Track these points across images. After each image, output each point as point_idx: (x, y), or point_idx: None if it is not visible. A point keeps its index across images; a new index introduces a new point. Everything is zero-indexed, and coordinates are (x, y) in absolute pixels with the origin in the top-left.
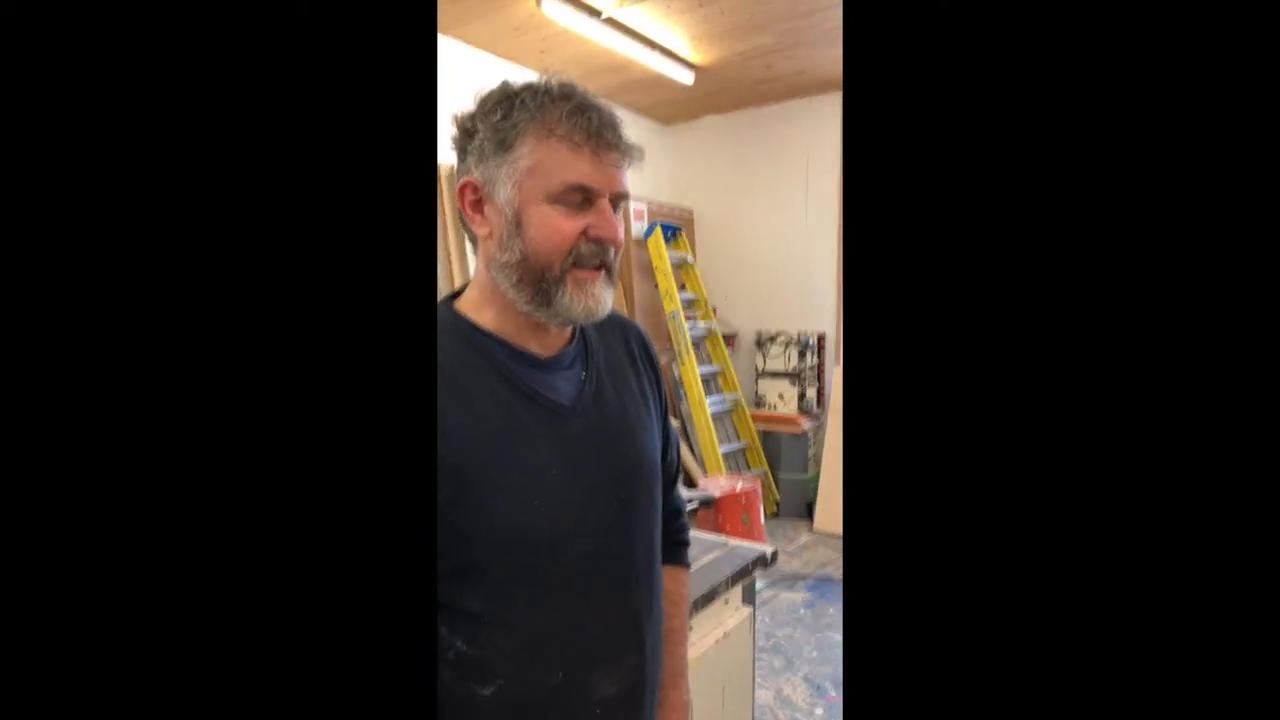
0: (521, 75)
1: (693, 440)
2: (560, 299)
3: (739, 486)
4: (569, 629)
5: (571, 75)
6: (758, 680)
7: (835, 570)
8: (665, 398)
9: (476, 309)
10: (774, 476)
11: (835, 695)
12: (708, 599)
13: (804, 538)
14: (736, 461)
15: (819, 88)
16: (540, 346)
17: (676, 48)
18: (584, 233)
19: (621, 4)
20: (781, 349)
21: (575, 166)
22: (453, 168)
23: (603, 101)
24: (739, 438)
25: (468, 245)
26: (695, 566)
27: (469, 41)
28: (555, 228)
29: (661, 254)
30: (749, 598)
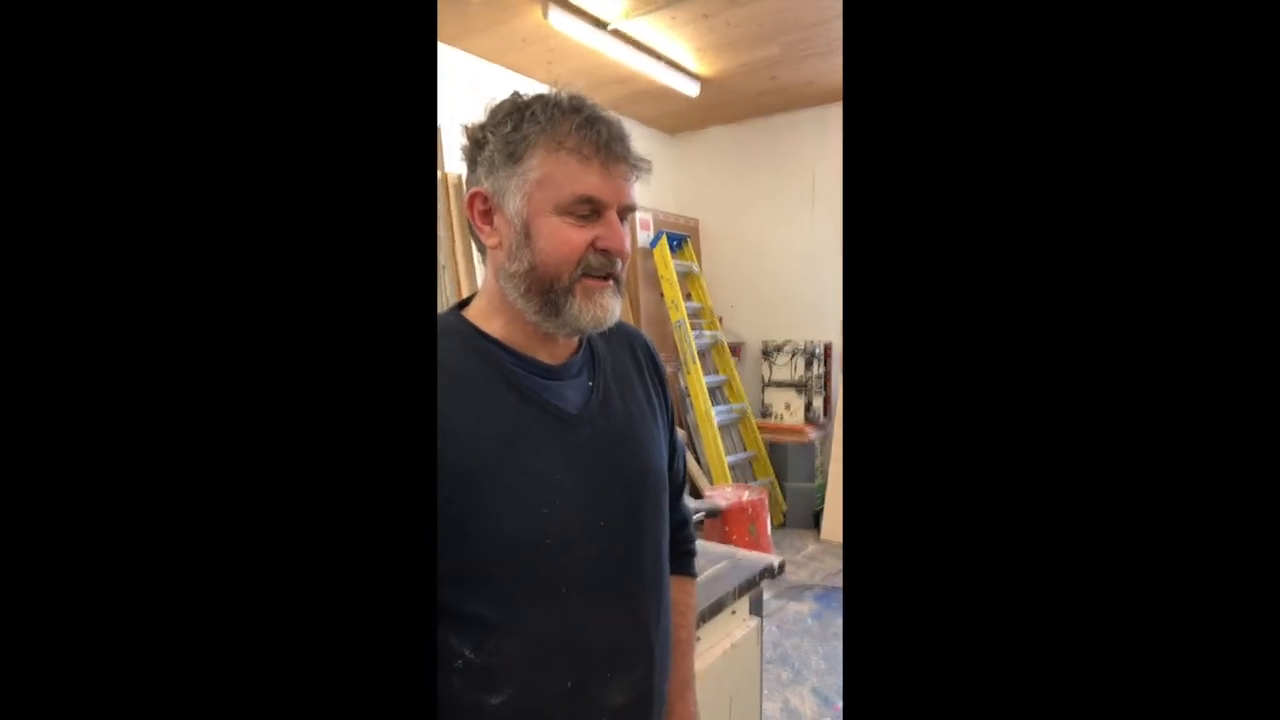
0: (528, 86)
1: (699, 450)
2: (569, 309)
3: (745, 497)
4: (577, 637)
5: (578, 86)
6: (765, 692)
7: (842, 581)
8: (671, 407)
9: (485, 318)
10: (780, 486)
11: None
12: (715, 610)
13: (811, 548)
14: (743, 472)
15: (824, 98)
16: (548, 355)
17: (682, 59)
18: (592, 244)
19: (627, 15)
20: (788, 359)
21: (584, 179)
22: (461, 177)
23: (612, 114)
24: (745, 448)
25: (474, 254)
26: (702, 577)
27: (476, 53)
28: (564, 239)
29: (667, 263)
30: (756, 609)
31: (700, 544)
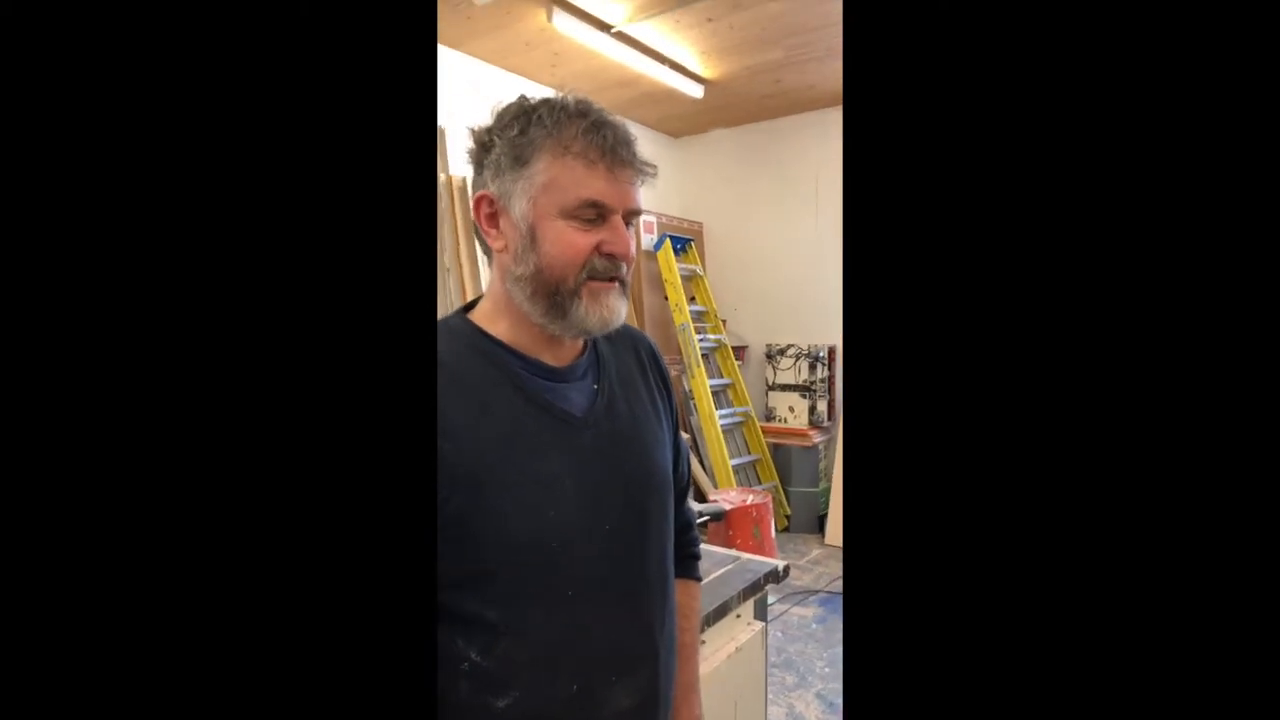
0: (532, 89)
1: (703, 453)
2: (575, 311)
3: (749, 500)
4: (582, 639)
5: (582, 89)
6: (770, 697)
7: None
8: (676, 410)
9: (490, 320)
10: (784, 490)
11: None
12: (719, 614)
13: (815, 552)
14: (747, 475)
15: (828, 101)
16: (553, 358)
17: (686, 62)
18: (597, 248)
19: (631, 19)
20: (792, 362)
21: (590, 183)
22: (465, 180)
23: (618, 119)
24: (749, 451)
25: (479, 257)
26: (706, 580)
27: (480, 56)
28: (569, 242)
29: (671, 266)
30: (761, 613)
31: (704, 547)
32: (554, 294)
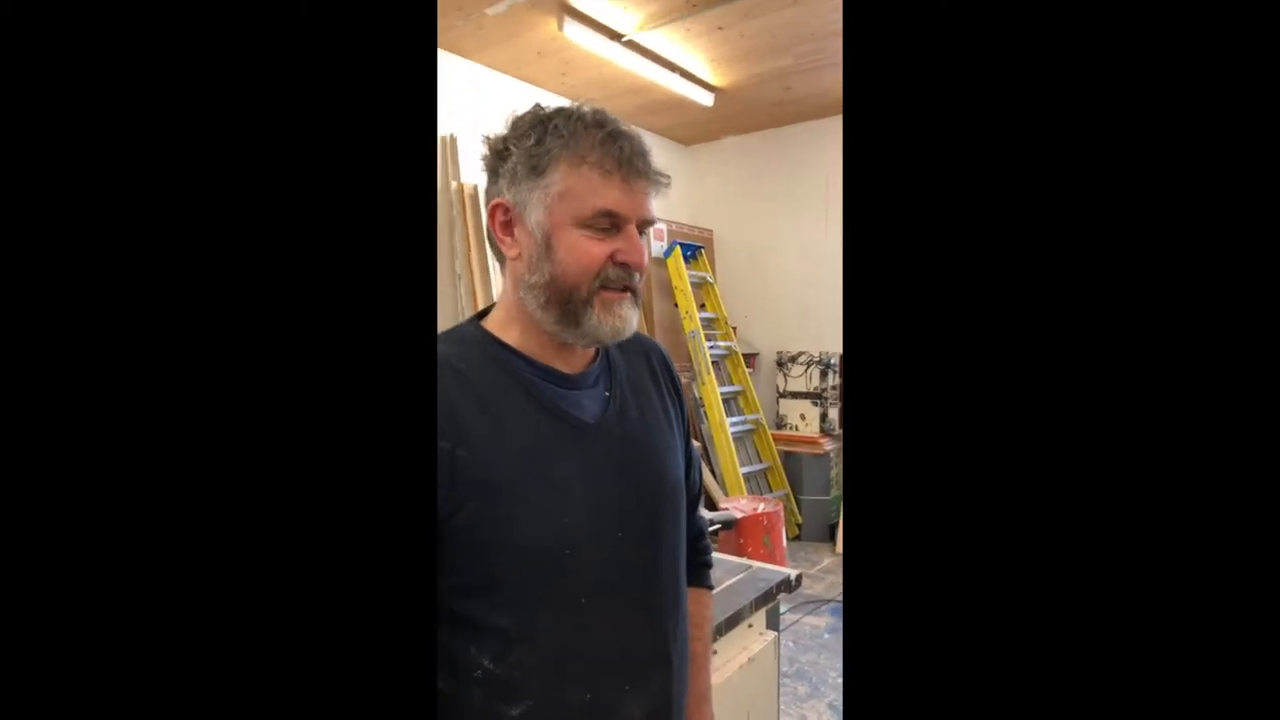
0: (544, 98)
1: (713, 461)
2: (588, 320)
3: (760, 508)
4: (594, 646)
5: (593, 97)
6: (781, 707)
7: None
8: (687, 418)
9: (503, 328)
10: (796, 498)
11: None
12: (731, 623)
13: (826, 561)
14: (758, 483)
15: (837, 109)
16: (565, 365)
17: (696, 70)
18: (611, 257)
19: (642, 27)
20: (803, 369)
21: (606, 193)
22: (477, 188)
23: (633, 129)
24: (760, 459)
25: (490, 265)
26: (718, 589)
27: (492, 66)
28: (584, 251)
29: (681, 273)
30: (773, 622)
31: (716, 556)
32: (567, 302)
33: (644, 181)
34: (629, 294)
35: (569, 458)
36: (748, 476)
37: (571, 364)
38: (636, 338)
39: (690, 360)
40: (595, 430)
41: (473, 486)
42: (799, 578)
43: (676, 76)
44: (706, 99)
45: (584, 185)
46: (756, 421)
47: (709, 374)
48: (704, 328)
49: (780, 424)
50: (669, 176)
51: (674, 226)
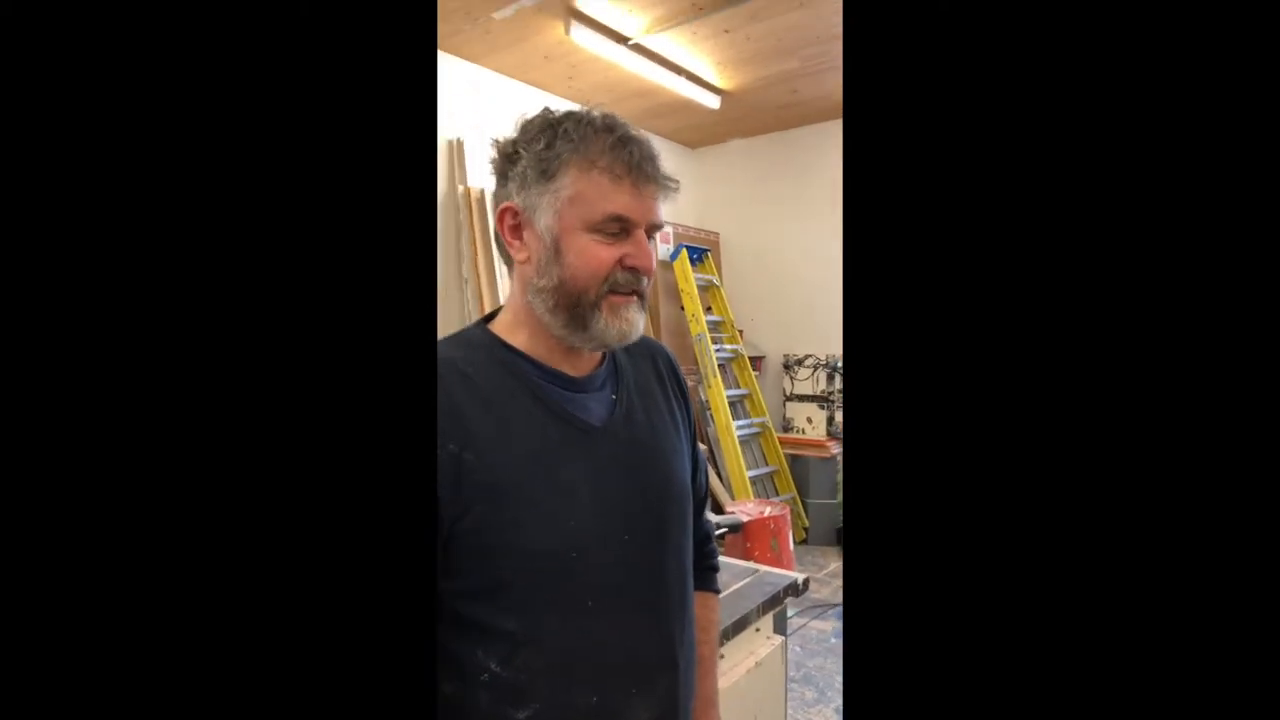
0: (551, 101)
1: (720, 465)
2: (596, 323)
3: (767, 512)
4: (602, 650)
5: (599, 101)
6: (789, 712)
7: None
8: (694, 421)
9: (510, 331)
10: (803, 502)
11: None
12: (739, 627)
13: (833, 565)
14: (764, 486)
15: None
16: (572, 368)
17: (703, 73)
18: (620, 262)
19: (649, 31)
20: (809, 372)
21: (615, 198)
22: (484, 191)
23: (643, 134)
24: (767, 462)
25: (496, 268)
26: (725, 593)
27: (499, 70)
28: (593, 255)
29: (688, 276)
30: (780, 626)
31: (723, 559)
32: (575, 306)
33: (653, 186)
34: (636, 298)
35: (576, 461)
36: (754, 480)
37: (578, 367)
38: (643, 341)
39: (696, 363)
40: (602, 433)
41: (480, 489)
42: (806, 582)
43: (683, 79)
44: (713, 102)
45: (594, 190)
46: (763, 425)
47: (715, 377)
48: (710, 330)
49: (787, 427)
50: (678, 181)
51: (680, 229)
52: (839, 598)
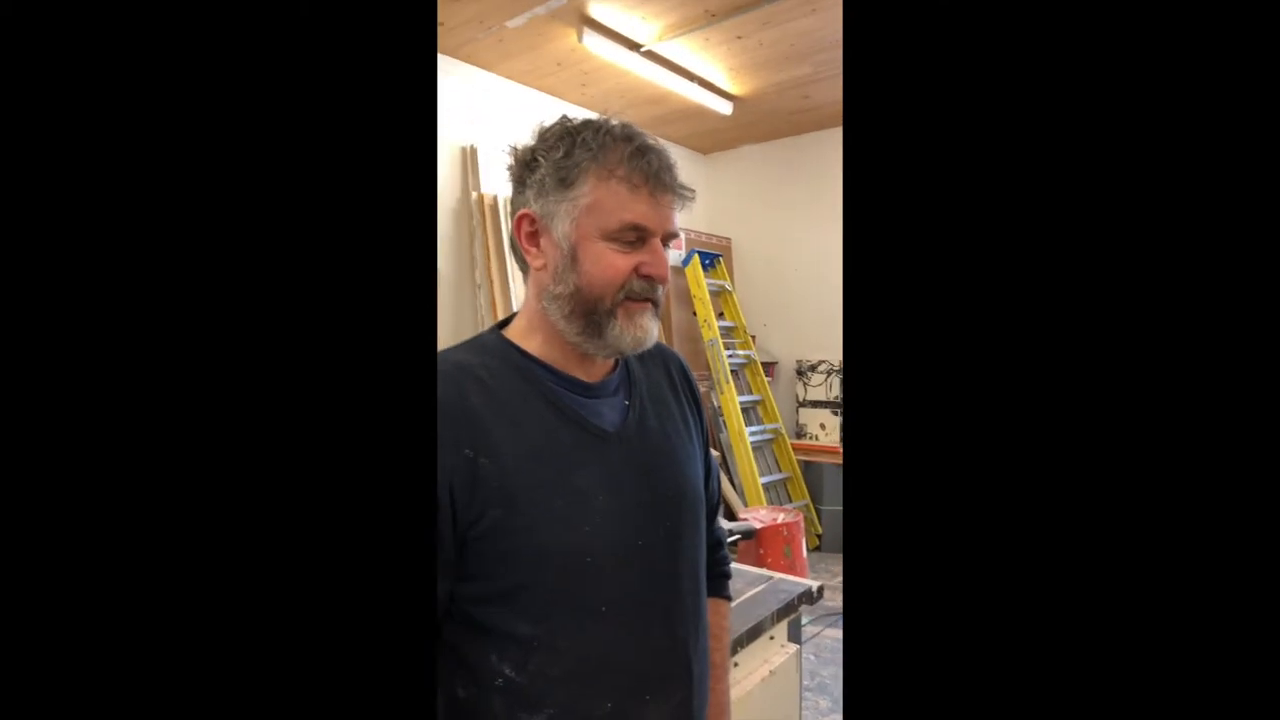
0: (564, 108)
1: (732, 471)
2: (611, 330)
3: (780, 519)
4: (616, 656)
5: (612, 107)
6: None
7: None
8: (706, 427)
9: (524, 337)
10: (816, 509)
11: None
12: (752, 635)
13: None
14: (777, 493)
15: None
16: (585, 374)
17: (715, 79)
18: (635, 270)
19: (661, 37)
20: (823, 378)
21: (633, 207)
22: (497, 198)
23: (660, 143)
24: (780, 469)
25: (509, 274)
26: (738, 601)
27: (512, 77)
28: (609, 263)
29: (700, 282)
30: (795, 634)
31: (736, 567)
32: (591, 313)
33: (670, 196)
34: (651, 305)
35: (589, 466)
36: (767, 486)
37: (591, 373)
38: (656, 347)
39: (709, 369)
40: (615, 439)
41: (494, 494)
42: (821, 589)
43: (695, 86)
44: (725, 108)
45: (612, 198)
46: (776, 431)
47: (728, 383)
48: (722, 336)
49: (800, 433)
50: (694, 191)
51: (692, 235)
52: None
